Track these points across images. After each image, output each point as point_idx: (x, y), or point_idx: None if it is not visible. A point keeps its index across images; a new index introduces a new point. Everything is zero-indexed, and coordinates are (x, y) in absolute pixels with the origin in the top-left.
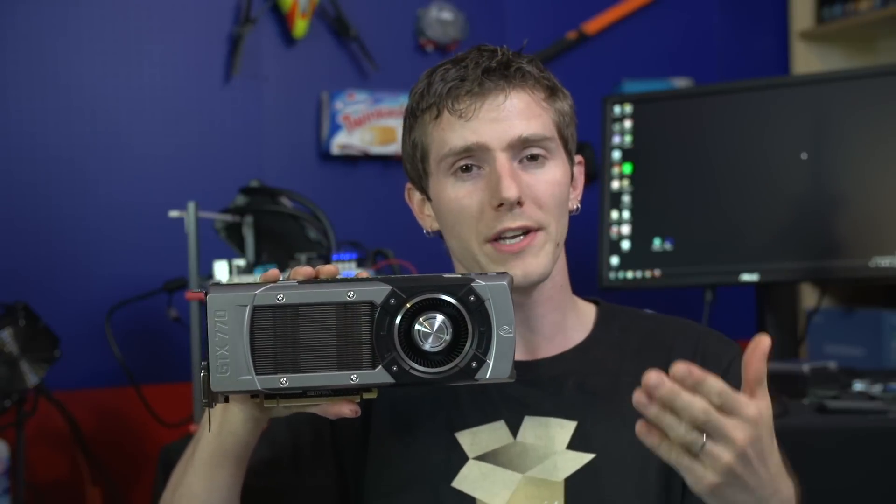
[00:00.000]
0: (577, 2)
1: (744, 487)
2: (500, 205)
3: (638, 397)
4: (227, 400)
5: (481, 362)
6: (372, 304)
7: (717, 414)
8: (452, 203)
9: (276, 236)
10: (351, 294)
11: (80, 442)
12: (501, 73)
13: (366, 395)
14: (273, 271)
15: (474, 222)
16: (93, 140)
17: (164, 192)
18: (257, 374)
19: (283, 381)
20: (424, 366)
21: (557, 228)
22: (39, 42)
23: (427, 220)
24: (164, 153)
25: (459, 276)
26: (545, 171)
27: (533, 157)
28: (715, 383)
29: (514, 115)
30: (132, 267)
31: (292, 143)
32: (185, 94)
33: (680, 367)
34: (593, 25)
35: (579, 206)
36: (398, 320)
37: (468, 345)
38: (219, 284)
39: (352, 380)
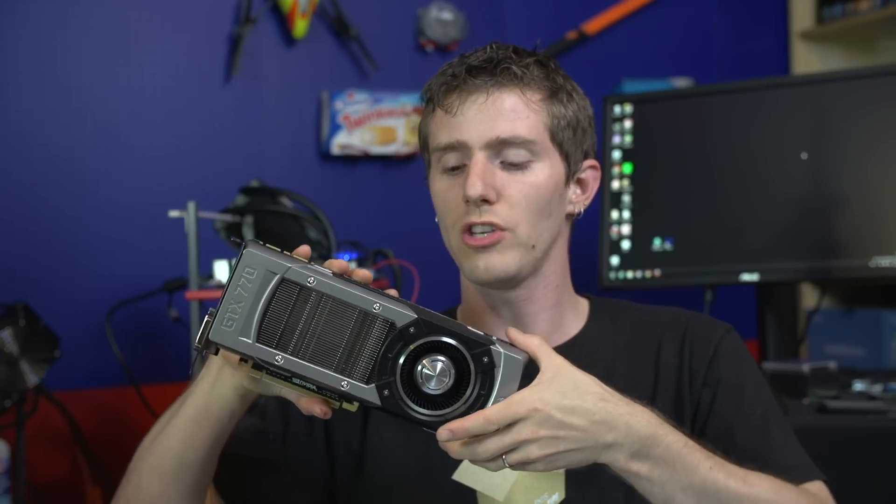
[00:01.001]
0: (577, 2)
1: (572, 450)
2: (468, 201)
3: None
4: (216, 352)
5: None
6: (392, 325)
7: (493, 442)
8: (438, 196)
9: (277, 236)
10: (377, 307)
11: (80, 442)
12: (489, 72)
13: (345, 406)
14: (305, 248)
15: (451, 215)
16: (93, 140)
17: (164, 192)
18: (257, 342)
19: (279, 359)
20: (414, 402)
21: (530, 232)
22: (39, 42)
23: None
24: (164, 153)
25: (482, 333)
26: (526, 174)
27: (515, 158)
28: (476, 421)
29: (496, 114)
30: (132, 267)
31: (292, 143)
32: (185, 94)
33: (442, 435)
34: (593, 25)
35: (582, 210)
36: (409, 350)
37: (462, 401)
38: (258, 243)
39: (341, 386)
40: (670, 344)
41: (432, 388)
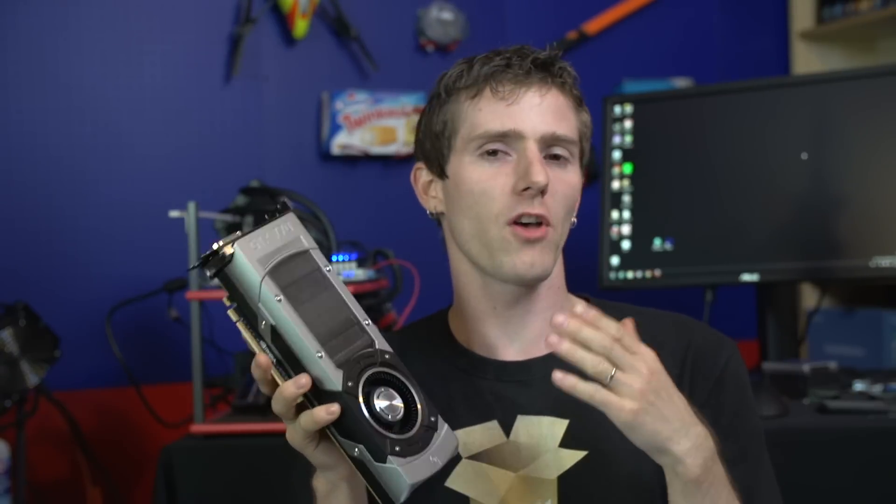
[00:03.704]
0: (577, 2)
1: (661, 416)
2: (526, 189)
3: (550, 339)
4: (230, 259)
5: (392, 453)
6: (372, 343)
7: (620, 346)
8: (475, 184)
9: None
10: (368, 324)
11: (80, 442)
12: (547, 68)
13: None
14: None
15: (495, 204)
16: (93, 140)
17: (164, 192)
18: (268, 275)
19: (279, 298)
20: (366, 406)
21: (562, 231)
22: (39, 42)
23: (431, 201)
24: (164, 153)
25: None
26: (566, 172)
27: (556, 157)
28: (610, 324)
29: (551, 110)
30: (132, 267)
31: (292, 143)
32: (185, 94)
33: (576, 309)
34: (593, 25)
35: (575, 220)
36: (377, 369)
37: (396, 434)
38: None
39: (318, 355)
40: (671, 356)
41: (384, 410)
